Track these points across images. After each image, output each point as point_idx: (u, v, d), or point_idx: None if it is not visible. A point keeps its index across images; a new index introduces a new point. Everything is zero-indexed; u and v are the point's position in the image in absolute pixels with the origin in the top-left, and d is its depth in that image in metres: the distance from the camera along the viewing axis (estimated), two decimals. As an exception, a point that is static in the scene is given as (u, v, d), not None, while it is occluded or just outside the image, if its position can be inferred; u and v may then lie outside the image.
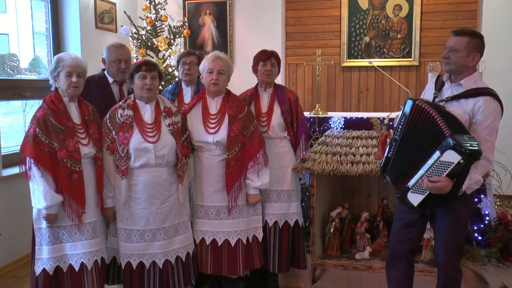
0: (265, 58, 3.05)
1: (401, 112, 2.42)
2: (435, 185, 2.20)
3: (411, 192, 2.33)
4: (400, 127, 2.39)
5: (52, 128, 2.48)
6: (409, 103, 2.36)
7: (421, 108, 2.30)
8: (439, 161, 2.18)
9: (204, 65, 2.86)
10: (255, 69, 3.12)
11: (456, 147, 2.11)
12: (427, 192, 2.26)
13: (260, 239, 2.98)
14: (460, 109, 2.35)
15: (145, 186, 2.66)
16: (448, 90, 2.46)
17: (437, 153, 2.18)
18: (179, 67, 3.31)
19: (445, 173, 2.18)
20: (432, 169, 2.22)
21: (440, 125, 2.20)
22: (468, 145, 2.12)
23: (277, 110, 3.08)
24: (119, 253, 2.73)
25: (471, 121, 2.33)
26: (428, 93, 2.61)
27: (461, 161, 2.12)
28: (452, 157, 2.14)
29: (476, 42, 2.36)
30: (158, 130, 2.68)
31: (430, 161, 2.22)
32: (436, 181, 2.19)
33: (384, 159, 2.52)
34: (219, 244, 2.86)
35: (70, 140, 2.51)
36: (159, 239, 2.70)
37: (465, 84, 2.38)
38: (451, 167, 2.15)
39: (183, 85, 3.33)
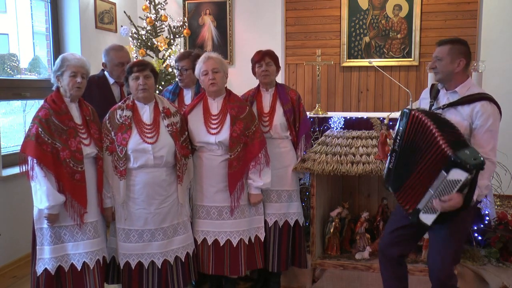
0: (259, 59, 3.06)
1: (397, 124, 2.38)
2: (448, 204, 2.15)
3: (423, 213, 2.28)
4: (398, 138, 2.35)
5: (55, 128, 2.48)
6: (406, 114, 2.31)
7: (418, 118, 2.26)
8: (446, 180, 2.14)
9: (198, 69, 2.86)
10: (254, 72, 3.13)
11: (461, 165, 2.08)
12: (439, 210, 2.21)
13: (262, 239, 2.98)
14: (458, 116, 2.35)
15: (144, 186, 2.66)
16: (444, 98, 2.47)
17: (443, 173, 2.14)
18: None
19: (455, 191, 2.14)
20: (440, 189, 2.18)
21: (441, 142, 2.15)
22: (473, 159, 2.08)
23: (279, 110, 3.08)
24: (118, 253, 2.73)
25: (471, 127, 2.33)
26: (423, 103, 2.61)
27: (468, 177, 2.09)
28: (458, 175, 2.10)
29: (458, 48, 2.37)
30: (157, 130, 2.68)
31: (436, 182, 2.18)
32: (447, 200, 2.15)
33: (386, 169, 2.47)
34: (221, 244, 2.86)
35: (73, 140, 2.51)
36: (157, 239, 2.70)
37: (460, 91, 2.39)
38: (459, 184, 2.12)
39: (183, 86, 3.32)
